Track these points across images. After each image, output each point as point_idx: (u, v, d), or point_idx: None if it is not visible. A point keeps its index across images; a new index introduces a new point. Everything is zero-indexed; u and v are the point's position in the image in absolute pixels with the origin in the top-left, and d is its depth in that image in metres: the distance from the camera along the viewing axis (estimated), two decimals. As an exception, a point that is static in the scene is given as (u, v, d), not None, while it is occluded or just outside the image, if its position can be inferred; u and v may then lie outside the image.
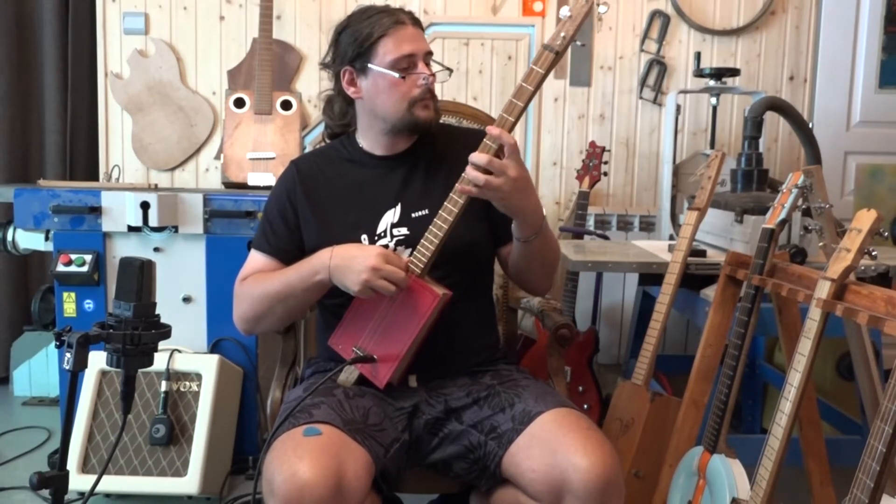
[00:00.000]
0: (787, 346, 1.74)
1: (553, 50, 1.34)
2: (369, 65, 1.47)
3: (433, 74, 1.49)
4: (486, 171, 1.32)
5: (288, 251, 1.54)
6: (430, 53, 1.50)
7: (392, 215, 1.52)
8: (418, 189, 1.54)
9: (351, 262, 1.37)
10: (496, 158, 1.32)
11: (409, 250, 1.48)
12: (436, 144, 1.57)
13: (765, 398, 2.70)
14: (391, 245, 1.50)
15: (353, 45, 1.48)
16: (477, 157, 1.32)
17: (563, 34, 1.34)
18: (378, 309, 1.43)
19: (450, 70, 1.57)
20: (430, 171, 1.55)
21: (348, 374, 1.47)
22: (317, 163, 1.60)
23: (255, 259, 1.56)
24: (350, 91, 1.52)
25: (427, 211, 1.50)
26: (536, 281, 1.58)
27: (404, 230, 1.51)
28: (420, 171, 1.55)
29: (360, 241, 1.50)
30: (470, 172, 1.33)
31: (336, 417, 1.35)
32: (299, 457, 1.23)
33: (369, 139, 1.57)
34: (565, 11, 1.34)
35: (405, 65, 1.46)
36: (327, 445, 1.27)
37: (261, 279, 1.51)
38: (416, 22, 1.50)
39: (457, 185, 1.37)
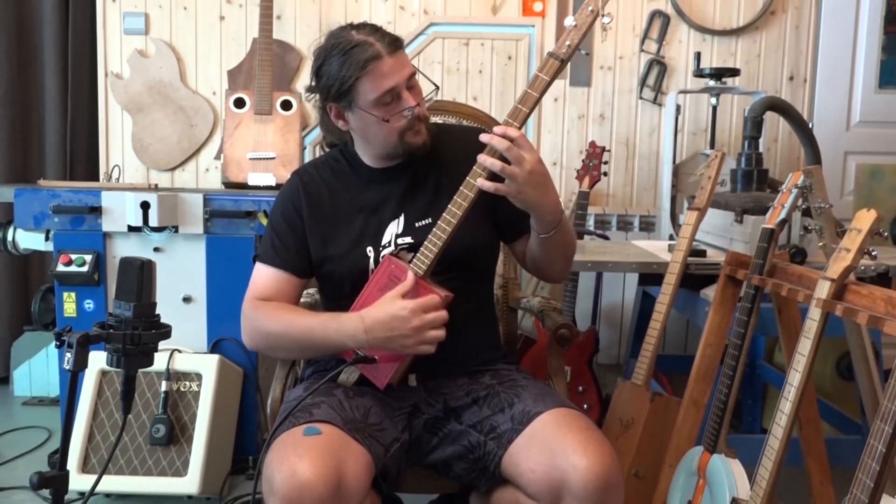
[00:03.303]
0: (787, 346, 1.74)
1: (558, 58, 1.35)
2: (352, 104, 1.44)
3: (419, 104, 1.46)
4: (502, 160, 1.32)
5: (299, 263, 1.52)
6: (412, 75, 1.47)
7: (396, 226, 1.51)
8: (421, 198, 1.53)
9: (391, 333, 1.34)
10: (514, 147, 1.31)
11: (412, 255, 1.48)
12: (434, 148, 1.57)
13: (765, 398, 2.70)
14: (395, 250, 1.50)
15: (333, 85, 1.43)
16: (497, 141, 1.31)
17: (567, 43, 1.35)
18: None
19: (436, 86, 1.56)
20: (431, 177, 1.54)
21: (348, 375, 1.47)
22: (319, 174, 1.58)
23: (265, 275, 1.52)
24: (339, 124, 1.51)
25: (431, 220, 1.49)
26: (555, 272, 1.58)
27: (408, 239, 1.50)
28: (422, 179, 1.54)
29: (365, 253, 1.49)
30: (486, 160, 1.32)
31: (336, 417, 1.35)
32: (299, 456, 1.23)
33: (366, 157, 1.56)
34: (570, 21, 1.36)
35: (388, 99, 1.42)
36: (327, 445, 1.27)
37: (279, 315, 1.46)
38: (394, 45, 1.43)
39: (468, 178, 1.36)
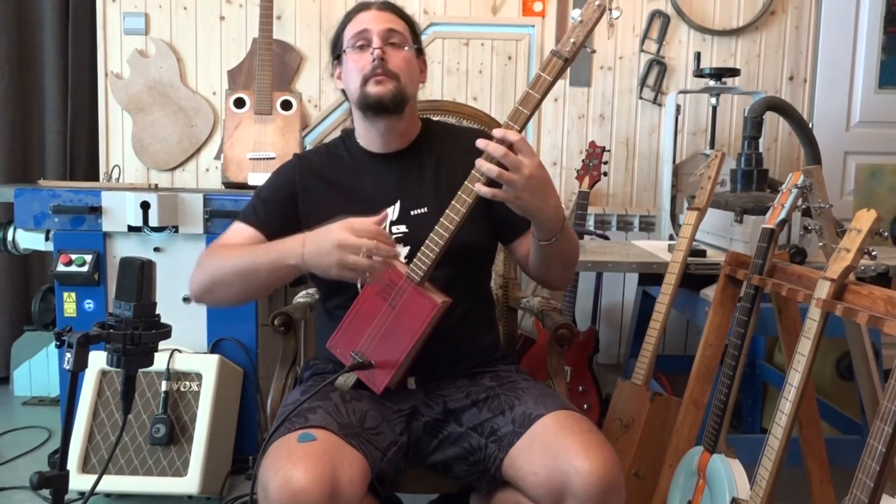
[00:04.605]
0: (787, 346, 1.74)
1: (562, 57, 1.28)
2: (341, 56, 1.54)
3: (381, 48, 1.47)
4: (500, 165, 1.27)
5: (275, 228, 1.48)
6: (390, 31, 1.49)
7: (391, 213, 1.51)
8: (417, 187, 1.53)
9: (320, 246, 1.30)
10: (511, 153, 1.26)
11: (408, 248, 1.48)
12: (434, 143, 1.57)
13: (765, 398, 2.70)
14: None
15: (332, 41, 1.57)
16: (493, 148, 1.26)
17: (572, 40, 1.27)
18: (377, 314, 1.42)
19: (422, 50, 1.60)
20: (428, 169, 1.55)
21: (346, 378, 1.45)
22: (319, 159, 1.60)
23: (238, 230, 1.52)
24: (338, 84, 1.58)
25: (426, 209, 1.50)
26: (556, 279, 1.55)
27: (403, 228, 1.50)
28: (419, 169, 1.55)
29: None
30: (483, 165, 1.27)
31: (332, 422, 1.33)
32: (293, 463, 1.22)
33: (361, 134, 1.58)
34: (576, 16, 1.28)
35: (361, 43, 1.49)
36: (322, 451, 1.25)
37: (227, 250, 1.45)
38: (386, 6, 1.54)
39: (466, 183, 1.33)
